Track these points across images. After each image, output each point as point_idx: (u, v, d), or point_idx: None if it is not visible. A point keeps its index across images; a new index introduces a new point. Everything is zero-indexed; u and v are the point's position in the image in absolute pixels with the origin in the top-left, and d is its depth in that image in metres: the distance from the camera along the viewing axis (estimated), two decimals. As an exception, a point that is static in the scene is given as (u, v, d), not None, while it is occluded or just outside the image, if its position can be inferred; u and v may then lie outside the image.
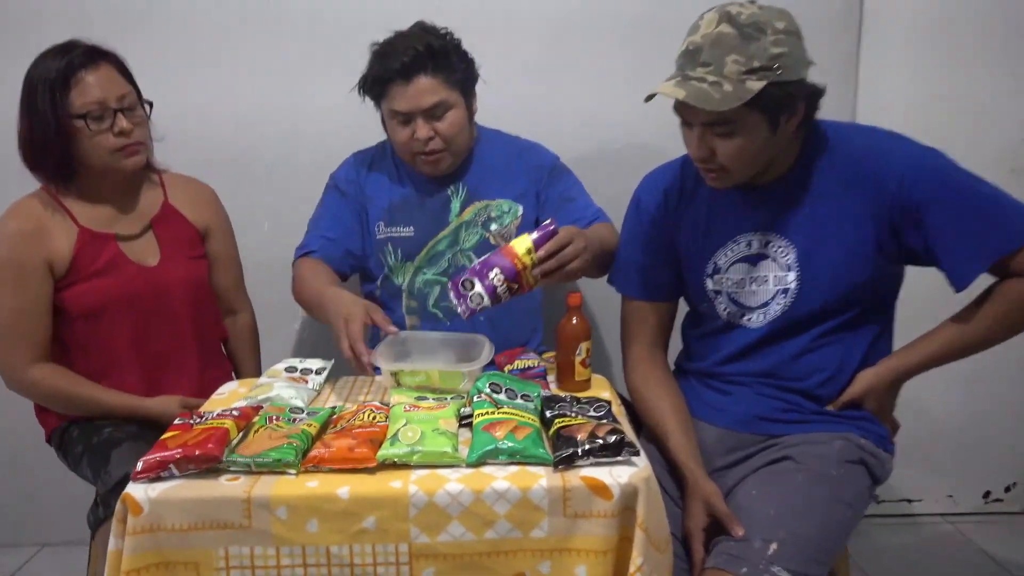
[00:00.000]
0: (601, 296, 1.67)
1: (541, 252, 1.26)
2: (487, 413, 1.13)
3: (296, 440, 1.07)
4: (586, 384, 1.36)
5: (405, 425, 1.10)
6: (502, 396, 1.20)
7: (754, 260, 1.31)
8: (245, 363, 1.68)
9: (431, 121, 1.47)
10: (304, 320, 1.99)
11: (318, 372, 1.41)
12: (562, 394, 1.26)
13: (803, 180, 1.26)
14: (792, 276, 1.27)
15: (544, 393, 1.27)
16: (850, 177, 1.23)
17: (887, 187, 1.19)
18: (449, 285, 1.28)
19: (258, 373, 1.65)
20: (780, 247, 1.28)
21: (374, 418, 1.16)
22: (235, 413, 1.16)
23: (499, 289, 1.25)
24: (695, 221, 1.37)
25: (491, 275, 1.24)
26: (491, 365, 1.42)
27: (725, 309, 1.34)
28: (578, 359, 1.33)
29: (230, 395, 1.36)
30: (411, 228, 1.58)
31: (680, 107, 1.20)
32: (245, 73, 1.88)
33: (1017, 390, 2.11)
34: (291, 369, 1.41)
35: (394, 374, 1.27)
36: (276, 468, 1.04)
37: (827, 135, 1.27)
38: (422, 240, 1.58)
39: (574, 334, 1.33)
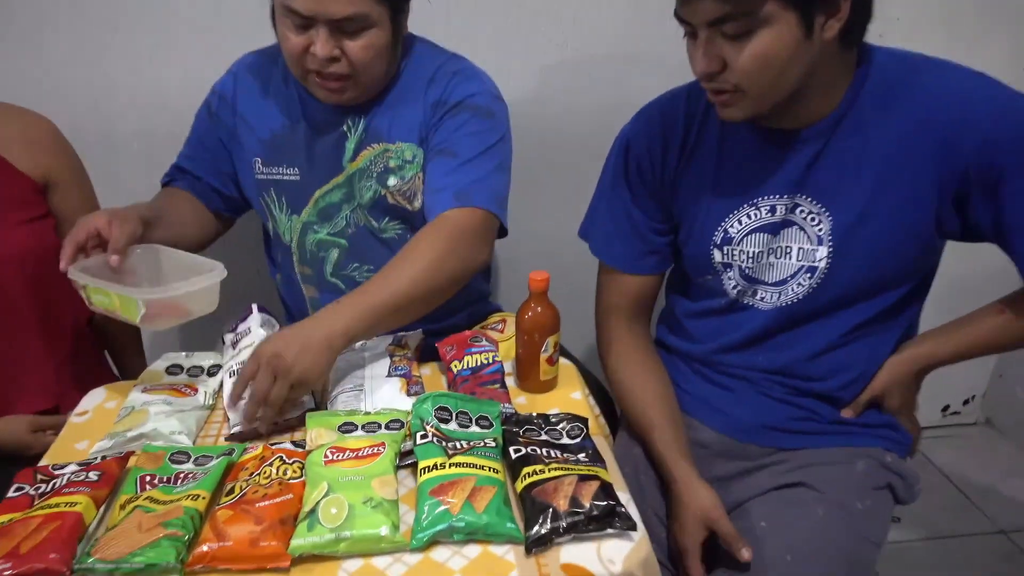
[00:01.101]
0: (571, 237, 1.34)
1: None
2: (435, 466, 0.86)
3: (177, 528, 0.79)
4: (552, 383, 1.10)
5: (327, 496, 0.83)
6: (452, 426, 0.94)
7: (775, 228, 1.03)
8: (127, 348, 1.34)
9: (339, 36, 1.06)
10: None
11: (211, 372, 1.10)
12: (524, 414, 1.00)
13: (849, 127, 0.96)
14: (823, 252, 1.00)
15: (504, 409, 1.00)
16: (914, 127, 0.93)
17: (963, 145, 0.90)
18: None
19: (144, 362, 1.34)
20: (811, 213, 1.00)
21: (284, 473, 0.88)
22: (92, 477, 0.86)
23: None
24: (701, 174, 1.06)
25: None
26: (428, 356, 1.14)
27: (735, 286, 1.08)
28: (544, 356, 1.06)
29: (95, 414, 1.05)
30: (295, 170, 1.20)
31: (681, 5, 0.89)
32: None
33: (978, 304, 1.98)
34: (175, 370, 1.10)
35: (84, 288, 1.01)
36: None
37: (886, 66, 0.95)
38: (309, 187, 1.21)
39: (539, 326, 1.05)
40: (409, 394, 1.03)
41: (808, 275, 1.02)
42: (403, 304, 1.04)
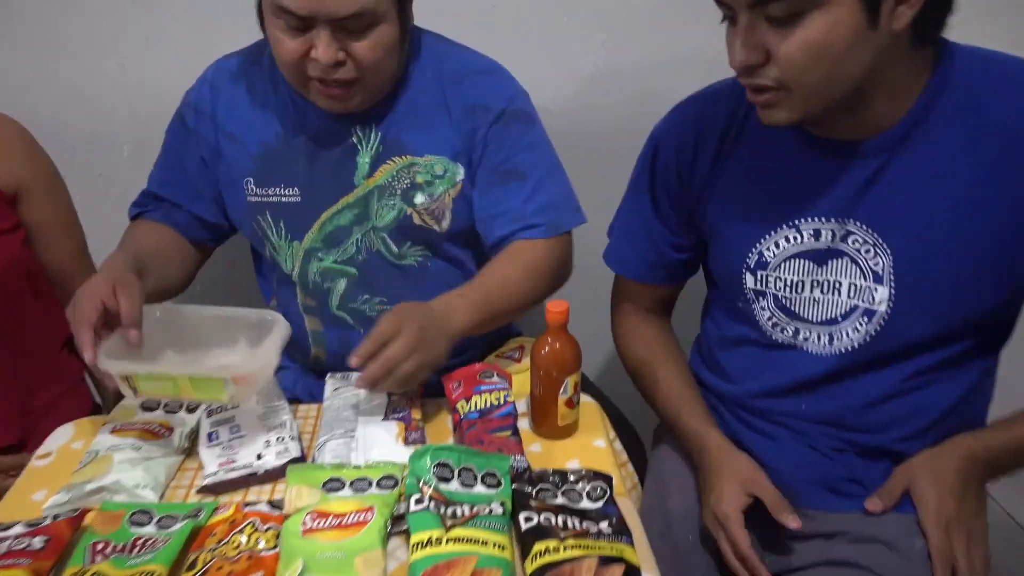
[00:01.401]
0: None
1: (353, 359, 0.88)
2: (430, 541, 0.73)
3: (125, 615, 0.68)
4: (571, 428, 0.96)
5: (303, 574, 0.70)
6: (454, 486, 0.81)
7: (821, 257, 0.88)
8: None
9: (342, 37, 0.92)
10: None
11: (190, 408, 0.98)
12: (538, 470, 0.86)
13: (919, 142, 0.81)
14: (883, 293, 0.85)
15: (516, 463, 0.87)
16: (1000, 146, 0.78)
17: None
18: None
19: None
20: (865, 244, 0.85)
21: (256, 543, 0.76)
22: (37, 544, 0.74)
23: None
24: (736, 185, 0.92)
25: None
26: (432, 391, 1.01)
27: (770, 318, 0.93)
28: (562, 398, 0.93)
29: (58, 457, 0.94)
30: (295, 190, 1.05)
31: None
32: None
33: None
34: (151, 404, 0.98)
35: (127, 379, 0.85)
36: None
37: (969, 70, 0.80)
38: (313, 209, 1.06)
39: (557, 364, 0.91)
40: (407, 442, 0.91)
41: (865, 319, 0.87)
42: (506, 313, 1.02)
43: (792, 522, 0.85)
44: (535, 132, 1.08)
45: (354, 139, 1.04)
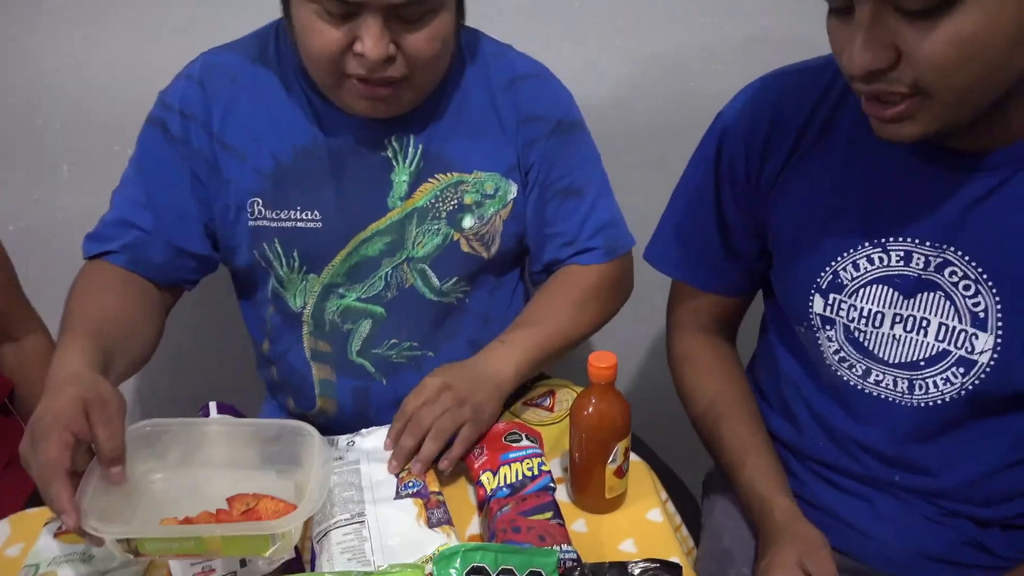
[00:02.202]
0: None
1: (386, 442, 0.81)
2: None
3: None
4: (620, 500, 0.81)
5: None
6: (492, 598, 0.65)
7: (909, 288, 0.74)
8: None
9: (396, 27, 0.76)
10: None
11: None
12: (592, 565, 0.70)
13: None
14: (985, 341, 0.71)
15: (564, 555, 0.71)
16: None
17: None
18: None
19: None
20: (967, 281, 0.71)
21: None
22: None
23: None
24: (814, 187, 0.77)
25: None
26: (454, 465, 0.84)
27: (836, 351, 0.79)
28: (611, 468, 0.77)
29: (-10, 566, 0.76)
30: (315, 214, 0.87)
31: None
32: None
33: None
34: (105, 492, 0.80)
35: (126, 542, 0.64)
36: None
37: None
38: (337, 237, 0.89)
39: (605, 429, 0.76)
40: (430, 524, 0.74)
41: (961, 370, 0.73)
42: (559, 351, 0.93)
43: None
44: (589, 144, 0.96)
45: (389, 152, 0.87)
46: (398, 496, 0.78)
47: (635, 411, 1.26)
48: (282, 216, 0.88)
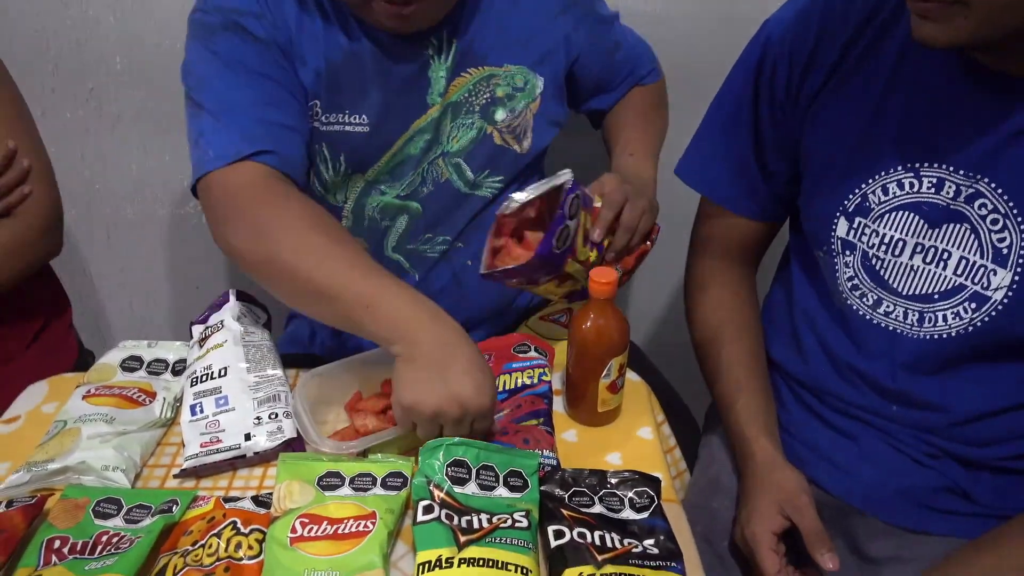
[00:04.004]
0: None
1: (596, 232, 0.82)
2: (439, 562, 0.61)
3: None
4: (613, 414, 0.82)
5: (284, 601, 0.59)
6: (471, 489, 0.68)
7: (936, 217, 0.71)
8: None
9: None
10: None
11: (176, 370, 0.87)
12: (572, 471, 0.72)
13: None
14: (1003, 278, 0.69)
15: (545, 459, 0.74)
16: None
17: None
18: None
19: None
20: (995, 215, 0.68)
21: (236, 548, 0.64)
22: (-16, 538, 0.64)
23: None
24: (853, 106, 0.74)
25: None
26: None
27: (850, 278, 0.77)
28: (604, 382, 0.78)
29: (27, 422, 0.83)
30: (362, 118, 0.87)
31: None
32: None
33: None
34: (132, 364, 0.86)
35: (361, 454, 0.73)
36: None
37: None
38: (382, 140, 0.89)
39: (600, 343, 0.76)
40: None
41: (973, 305, 0.71)
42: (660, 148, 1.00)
43: (828, 561, 0.71)
44: (607, 5, 1.00)
45: (430, 50, 0.87)
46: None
47: (654, 336, 1.25)
48: (331, 120, 0.87)
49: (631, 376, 0.86)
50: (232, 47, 0.82)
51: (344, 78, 0.86)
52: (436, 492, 0.66)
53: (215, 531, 0.65)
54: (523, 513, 0.66)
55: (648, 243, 0.89)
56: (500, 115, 0.91)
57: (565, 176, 0.79)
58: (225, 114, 0.80)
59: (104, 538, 0.65)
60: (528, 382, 0.80)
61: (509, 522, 0.65)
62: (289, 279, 0.74)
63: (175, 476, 0.75)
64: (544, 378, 0.81)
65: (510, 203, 0.80)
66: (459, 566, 0.60)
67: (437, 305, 0.73)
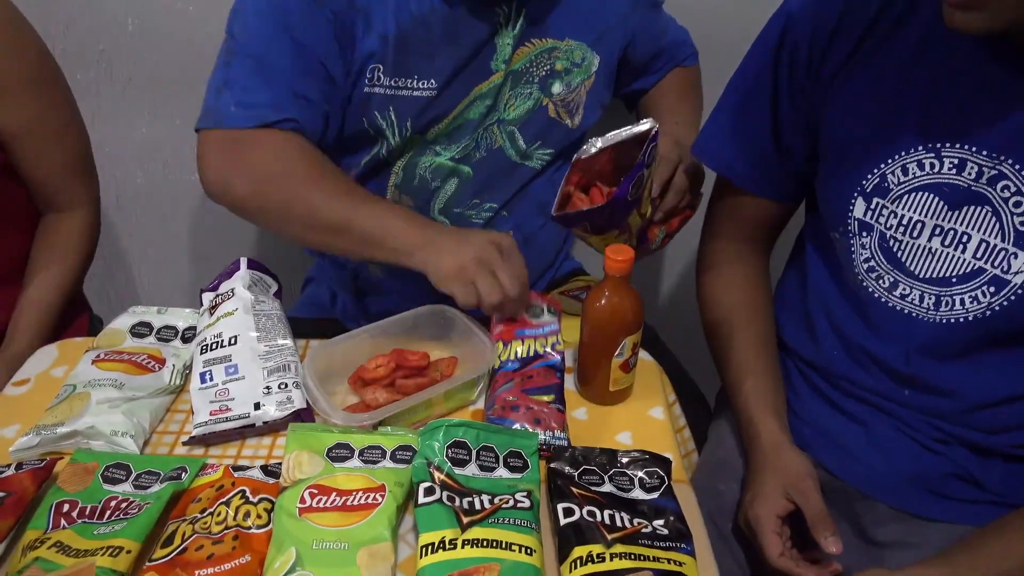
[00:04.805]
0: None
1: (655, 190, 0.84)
2: (442, 544, 0.60)
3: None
4: (625, 393, 0.81)
5: (293, 573, 0.58)
6: (471, 470, 0.67)
7: (957, 199, 0.70)
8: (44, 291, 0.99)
9: None
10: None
11: (186, 337, 0.86)
12: (582, 449, 0.72)
13: None
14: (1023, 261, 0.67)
15: (554, 440, 0.73)
16: None
17: None
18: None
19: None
20: (1018, 197, 0.67)
21: (245, 517, 0.64)
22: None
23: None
24: (875, 84, 0.72)
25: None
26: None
27: (867, 260, 0.76)
28: (617, 361, 0.77)
29: (36, 385, 0.83)
30: (431, 82, 0.86)
31: None
32: None
33: None
34: (142, 330, 0.86)
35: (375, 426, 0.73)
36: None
37: None
38: (446, 104, 0.88)
39: (614, 322, 0.75)
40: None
41: (992, 288, 0.69)
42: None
43: (831, 545, 0.70)
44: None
45: (499, 17, 0.87)
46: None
47: (670, 316, 1.24)
48: (398, 84, 0.86)
49: (643, 356, 0.86)
50: (287, 9, 0.82)
51: (413, 42, 0.85)
52: (436, 474, 0.65)
53: (224, 499, 0.65)
54: (524, 493, 0.66)
55: (691, 210, 0.91)
56: (557, 88, 0.93)
57: (648, 123, 0.79)
58: (260, 75, 0.82)
59: (113, 503, 0.65)
60: (540, 351, 0.79)
61: (511, 502, 0.64)
62: (305, 218, 0.82)
63: (184, 443, 0.75)
64: (557, 347, 0.80)
65: (589, 147, 0.80)
66: (463, 547, 0.60)
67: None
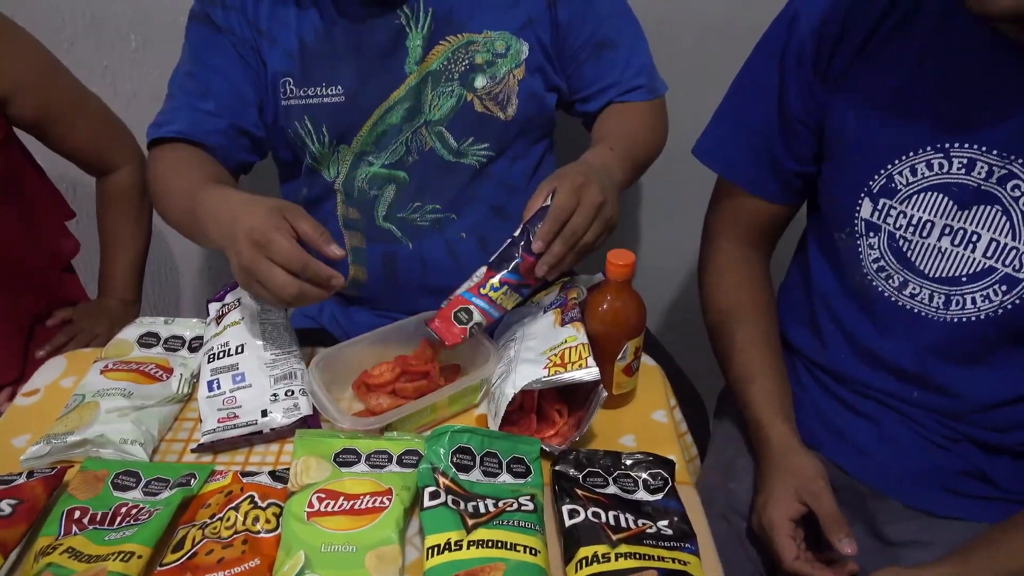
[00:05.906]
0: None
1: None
2: (448, 545, 0.61)
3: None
4: (628, 397, 0.82)
5: (303, 575, 0.59)
6: (475, 475, 0.68)
7: (966, 198, 0.71)
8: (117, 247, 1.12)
9: None
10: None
11: (192, 346, 0.87)
12: (586, 451, 0.73)
13: None
14: None
15: (551, 448, 0.74)
16: None
17: None
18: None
19: (134, 273, 1.15)
20: None
21: (254, 521, 0.65)
22: (6, 508, 0.64)
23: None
24: (882, 83, 0.73)
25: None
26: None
27: (876, 260, 0.77)
28: (620, 365, 0.78)
29: (46, 396, 0.84)
30: (338, 88, 0.90)
31: None
32: None
33: None
34: (149, 340, 0.87)
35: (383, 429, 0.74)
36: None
37: None
38: (360, 108, 0.91)
39: (617, 326, 0.77)
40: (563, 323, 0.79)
41: (1003, 287, 0.70)
42: (641, 168, 0.96)
43: (846, 546, 0.70)
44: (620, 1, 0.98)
45: (402, 19, 0.88)
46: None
47: (666, 320, 1.25)
48: (308, 93, 0.91)
49: (646, 360, 0.87)
50: (195, 36, 0.93)
51: (317, 54, 0.90)
52: (441, 479, 0.66)
53: (233, 504, 0.66)
54: (528, 497, 0.67)
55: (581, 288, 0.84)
56: (480, 82, 0.91)
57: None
58: (172, 90, 0.94)
59: (123, 509, 0.66)
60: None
61: (515, 505, 0.65)
62: (162, 209, 0.92)
63: (192, 451, 0.75)
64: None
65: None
66: (468, 548, 0.61)
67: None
